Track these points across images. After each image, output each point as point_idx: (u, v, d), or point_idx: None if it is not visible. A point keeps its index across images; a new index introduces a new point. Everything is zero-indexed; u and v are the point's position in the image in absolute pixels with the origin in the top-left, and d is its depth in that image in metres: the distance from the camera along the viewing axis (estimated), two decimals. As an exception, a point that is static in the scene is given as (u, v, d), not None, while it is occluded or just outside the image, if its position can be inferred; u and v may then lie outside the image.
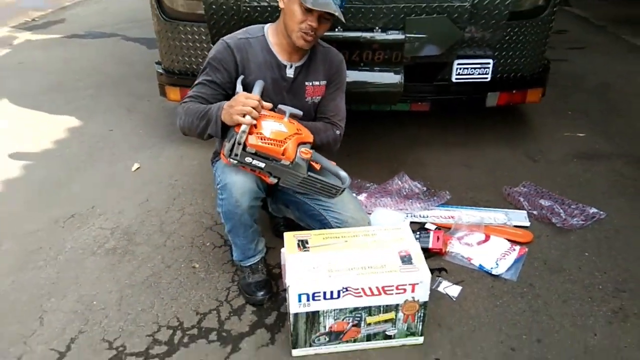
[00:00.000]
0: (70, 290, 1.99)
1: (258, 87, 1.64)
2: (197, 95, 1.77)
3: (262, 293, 1.90)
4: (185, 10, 2.59)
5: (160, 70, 2.87)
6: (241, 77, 1.67)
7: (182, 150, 3.01)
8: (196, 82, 1.81)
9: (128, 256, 2.17)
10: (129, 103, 3.70)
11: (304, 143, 1.65)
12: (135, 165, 2.86)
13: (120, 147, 3.09)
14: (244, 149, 1.55)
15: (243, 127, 1.51)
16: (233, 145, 1.55)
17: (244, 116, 1.53)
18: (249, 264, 1.93)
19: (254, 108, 1.54)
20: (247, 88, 1.69)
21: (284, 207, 2.08)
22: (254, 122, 1.55)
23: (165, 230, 2.33)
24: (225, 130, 1.64)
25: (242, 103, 1.55)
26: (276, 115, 1.64)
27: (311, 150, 1.66)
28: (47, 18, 6.35)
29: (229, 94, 1.76)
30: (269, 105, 1.65)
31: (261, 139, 1.55)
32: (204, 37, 2.59)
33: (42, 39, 5.45)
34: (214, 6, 2.31)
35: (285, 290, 1.89)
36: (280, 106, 1.67)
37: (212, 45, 2.51)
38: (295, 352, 1.68)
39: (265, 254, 1.99)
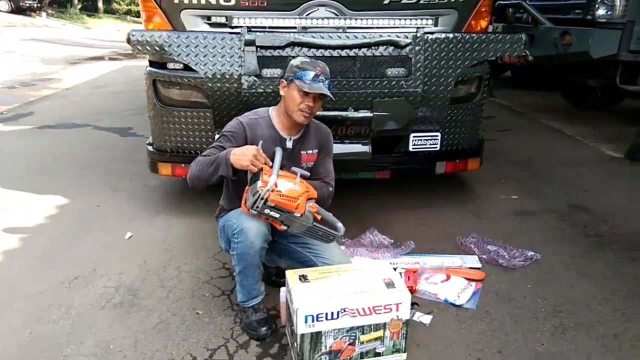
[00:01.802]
0: (86, 338, 2.18)
1: (279, 154, 2.05)
2: (208, 154, 2.16)
3: (265, 328, 2.18)
4: (180, 99, 3.05)
5: (152, 150, 3.25)
6: (260, 142, 2.08)
7: (171, 220, 3.30)
8: (210, 147, 2.21)
9: (135, 308, 2.39)
10: (112, 183, 3.96)
11: (311, 199, 2.05)
12: (128, 234, 3.11)
13: (110, 219, 3.33)
14: (264, 202, 1.93)
15: (268, 186, 1.90)
16: (256, 199, 1.92)
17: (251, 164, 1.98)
18: (252, 304, 2.21)
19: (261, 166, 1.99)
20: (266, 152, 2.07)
21: (277, 256, 2.41)
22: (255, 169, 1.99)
23: (166, 285, 2.58)
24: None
25: (253, 157, 1.97)
26: (290, 176, 2.05)
27: (316, 205, 2.05)
28: (15, 111, 6.57)
29: None
30: (269, 162, 2.04)
31: (280, 196, 1.94)
32: (195, 120, 3.03)
33: (14, 130, 5.65)
34: (218, 93, 2.78)
35: (284, 326, 2.20)
36: (293, 168, 2.09)
37: (203, 127, 2.97)
38: (300, 372, 1.96)
39: (264, 296, 2.28)
